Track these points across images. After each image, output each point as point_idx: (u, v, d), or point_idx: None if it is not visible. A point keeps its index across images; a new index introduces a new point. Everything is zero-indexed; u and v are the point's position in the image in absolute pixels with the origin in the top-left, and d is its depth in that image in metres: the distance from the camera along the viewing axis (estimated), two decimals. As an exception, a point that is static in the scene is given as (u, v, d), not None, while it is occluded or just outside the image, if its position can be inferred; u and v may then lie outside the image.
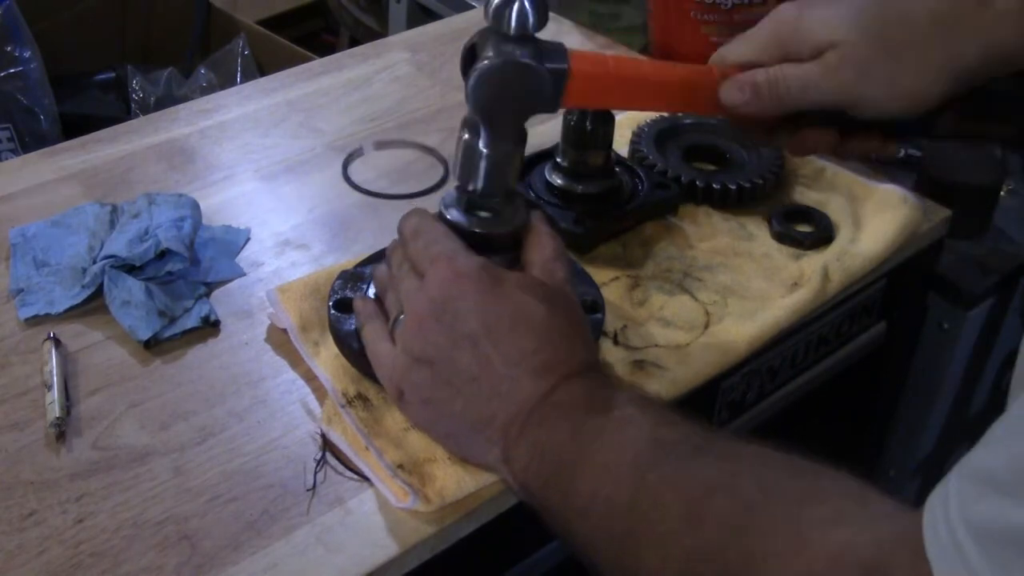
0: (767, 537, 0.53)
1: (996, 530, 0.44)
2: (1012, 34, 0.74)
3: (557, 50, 0.73)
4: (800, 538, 0.52)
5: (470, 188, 0.72)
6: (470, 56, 0.72)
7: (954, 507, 0.46)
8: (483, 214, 0.72)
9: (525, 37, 0.70)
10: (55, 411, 0.72)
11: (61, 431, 0.71)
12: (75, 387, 0.76)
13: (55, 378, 0.74)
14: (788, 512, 0.54)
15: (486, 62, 0.70)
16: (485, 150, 0.71)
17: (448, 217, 0.72)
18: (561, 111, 0.89)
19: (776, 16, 0.79)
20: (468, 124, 0.72)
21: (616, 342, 0.80)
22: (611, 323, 0.81)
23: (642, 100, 0.79)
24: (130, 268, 0.82)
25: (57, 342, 0.78)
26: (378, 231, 0.91)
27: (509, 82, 0.71)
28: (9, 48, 1.60)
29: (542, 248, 0.71)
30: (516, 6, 0.69)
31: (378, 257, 0.82)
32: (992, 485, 0.45)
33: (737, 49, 0.80)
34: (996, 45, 0.74)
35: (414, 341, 0.68)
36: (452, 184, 0.97)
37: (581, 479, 0.62)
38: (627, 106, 0.86)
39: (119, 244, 0.83)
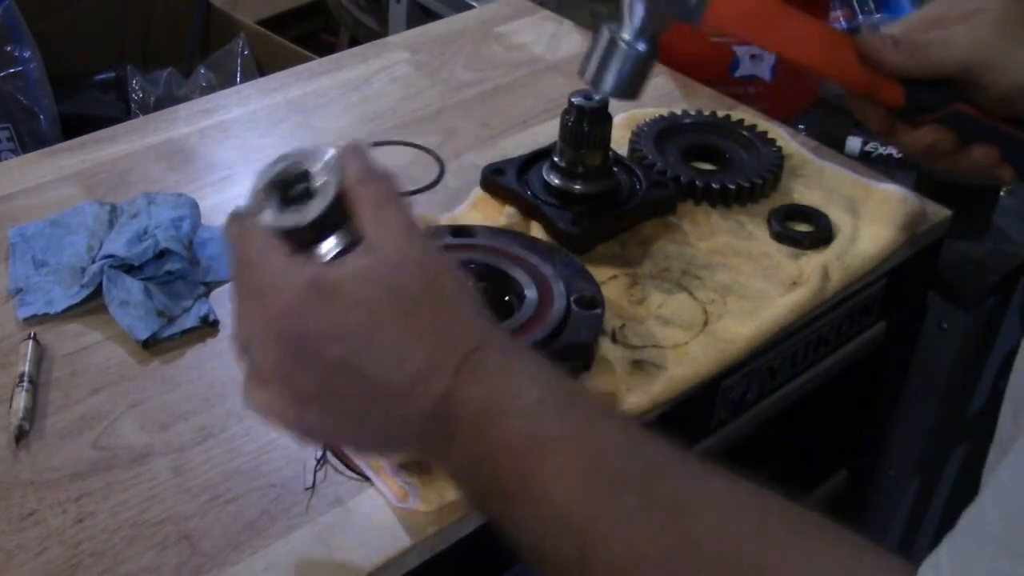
0: None
1: None
2: None
3: None
4: None
5: (600, 90, 0.77)
6: None
7: (947, 570, 0.44)
8: (297, 204, 0.60)
9: None
10: (19, 415, 0.72)
11: (22, 433, 0.71)
12: (74, 387, 0.76)
13: (26, 381, 0.74)
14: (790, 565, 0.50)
15: None
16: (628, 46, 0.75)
17: (263, 226, 0.60)
18: (559, 111, 0.89)
19: (924, 7, 0.80)
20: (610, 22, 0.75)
21: (615, 340, 0.80)
22: (610, 321, 0.81)
23: (781, 42, 0.80)
24: (129, 268, 0.82)
25: (37, 343, 0.78)
26: (378, 231, 0.91)
27: None
28: (9, 48, 1.60)
29: (363, 204, 0.59)
30: None
31: None
32: (989, 542, 0.44)
33: (886, 29, 0.81)
34: None
35: (283, 385, 0.58)
36: (446, 183, 0.98)
37: (528, 511, 0.55)
38: (764, 43, 0.85)
39: (118, 244, 0.83)
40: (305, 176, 0.59)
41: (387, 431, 0.58)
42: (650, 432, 0.56)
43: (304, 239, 0.59)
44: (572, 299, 0.78)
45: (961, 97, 0.79)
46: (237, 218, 0.61)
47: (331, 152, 0.60)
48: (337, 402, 0.58)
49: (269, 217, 0.59)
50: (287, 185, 0.59)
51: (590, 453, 0.55)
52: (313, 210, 0.59)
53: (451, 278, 0.59)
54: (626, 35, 0.77)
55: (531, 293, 0.78)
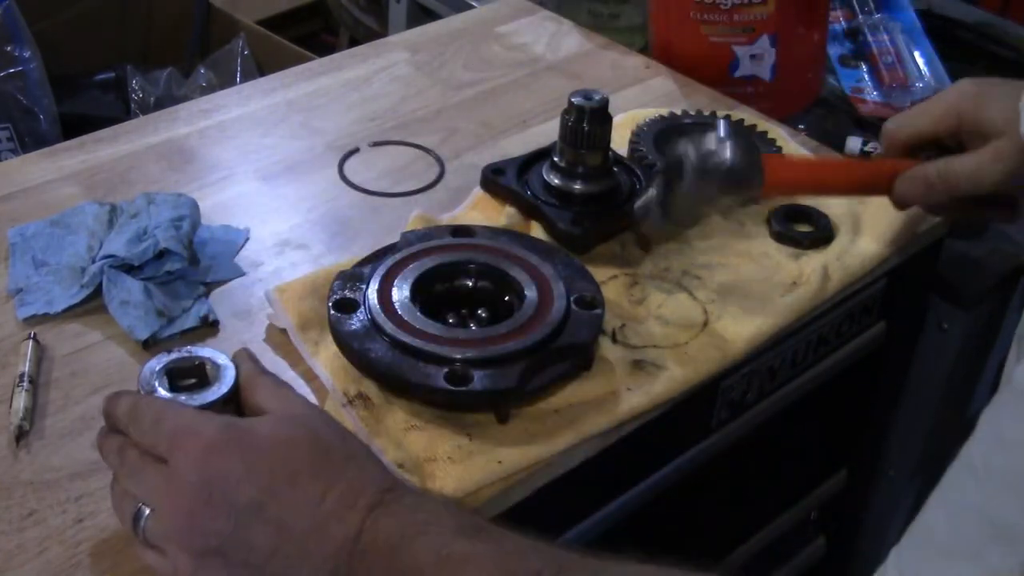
0: None
1: None
2: None
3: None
4: None
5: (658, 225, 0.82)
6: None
7: None
8: (187, 392, 0.65)
9: None
10: (19, 415, 0.72)
11: (22, 433, 0.71)
12: (74, 387, 0.76)
13: (26, 381, 0.74)
14: None
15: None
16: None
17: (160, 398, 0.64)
18: (560, 111, 0.89)
19: (958, 90, 0.82)
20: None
21: (615, 340, 0.80)
22: (609, 321, 0.81)
23: (825, 191, 0.88)
24: (129, 268, 0.82)
25: (37, 343, 0.78)
26: (377, 231, 0.91)
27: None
28: (9, 48, 1.60)
29: (264, 386, 0.64)
30: None
31: (377, 256, 0.82)
32: (933, 548, 0.44)
33: (916, 120, 0.83)
34: None
35: (190, 537, 0.58)
36: (446, 183, 0.98)
37: None
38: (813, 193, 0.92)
39: (118, 244, 0.83)
40: (200, 368, 0.65)
41: None
42: (560, 545, 0.57)
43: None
44: (572, 299, 0.78)
45: None
46: (119, 394, 0.63)
47: (222, 354, 0.66)
48: (243, 554, 0.57)
49: (164, 396, 0.63)
50: (177, 374, 0.65)
51: (500, 562, 0.55)
52: (223, 388, 0.64)
53: (359, 440, 0.63)
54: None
55: (531, 293, 0.78)
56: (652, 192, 0.82)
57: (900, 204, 0.84)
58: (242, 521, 0.57)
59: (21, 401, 0.73)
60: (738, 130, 0.85)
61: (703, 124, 0.87)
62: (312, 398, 0.76)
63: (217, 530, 0.57)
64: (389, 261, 0.80)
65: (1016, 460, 0.43)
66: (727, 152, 0.79)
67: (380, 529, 0.56)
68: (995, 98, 0.80)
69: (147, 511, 0.60)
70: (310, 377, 0.77)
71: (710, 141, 0.80)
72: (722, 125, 0.80)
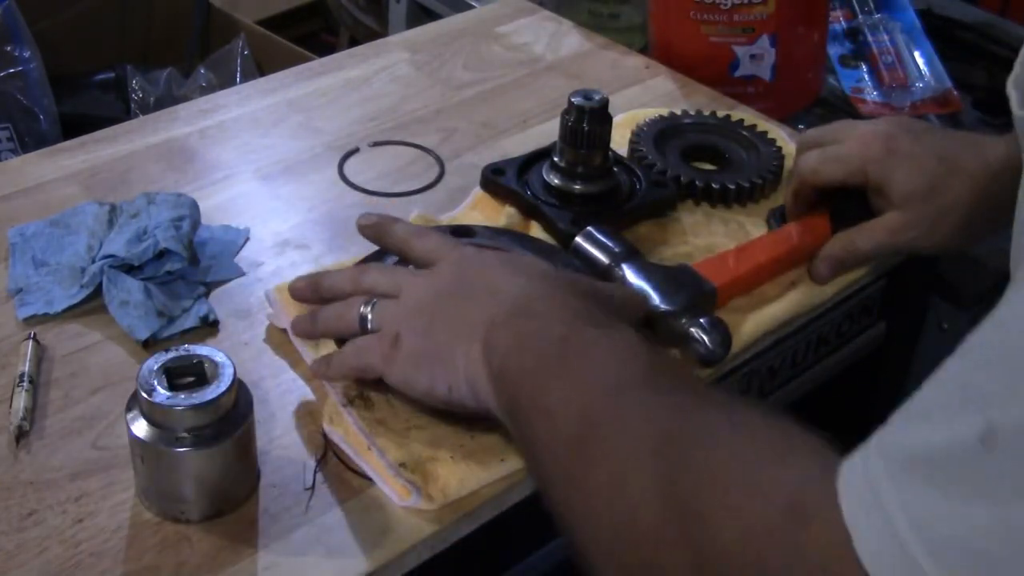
0: (718, 474, 0.53)
1: (910, 454, 0.45)
2: (997, 187, 0.81)
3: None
4: (749, 482, 0.52)
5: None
6: None
7: (873, 446, 0.47)
8: (186, 390, 0.66)
9: None
10: (19, 415, 0.72)
11: (22, 433, 0.71)
12: (74, 387, 0.76)
13: (26, 381, 0.74)
14: (746, 463, 0.53)
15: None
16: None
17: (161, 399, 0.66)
18: (560, 111, 0.89)
19: (867, 145, 0.86)
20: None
21: (615, 342, 0.80)
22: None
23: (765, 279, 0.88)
24: (129, 268, 0.82)
25: (37, 343, 0.78)
26: (377, 231, 0.91)
27: None
28: (9, 48, 1.60)
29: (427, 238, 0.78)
30: None
31: (376, 256, 0.82)
32: (907, 413, 0.47)
33: (830, 169, 0.87)
34: (995, 210, 0.81)
35: (418, 313, 0.71)
36: (446, 183, 0.98)
37: (558, 382, 0.62)
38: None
39: (118, 244, 0.83)
40: (199, 366, 0.66)
41: (463, 318, 0.68)
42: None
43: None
44: (572, 299, 0.78)
45: None
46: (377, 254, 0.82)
47: (220, 352, 0.67)
48: (448, 304, 0.71)
49: (162, 396, 0.64)
50: (176, 372, 0.66)
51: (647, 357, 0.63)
52: (222, 386, 0.65)
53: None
54: None
55: (531, 293, 0.78)
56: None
57: (820, 282, 0.87)
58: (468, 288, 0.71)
59: (21, 401, 0.73)
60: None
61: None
62: (312, 398, 0.76)
63: (450, 293, 0.71)
64: (389, 261, 0.80)
65: (1001, 335, 0.45)
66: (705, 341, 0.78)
67: (572, 295, 0.69)
68: (901, 165, 0.84)
69: (378, 304, 0.72)
70: (310, 377, 0.77)
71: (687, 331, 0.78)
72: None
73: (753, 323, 0.83)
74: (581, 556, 0.58)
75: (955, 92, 1.27)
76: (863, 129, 0.89)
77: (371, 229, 0.80)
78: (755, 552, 0.49)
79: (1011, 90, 0.56)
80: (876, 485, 0.45)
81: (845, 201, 0.88)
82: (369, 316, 0.73)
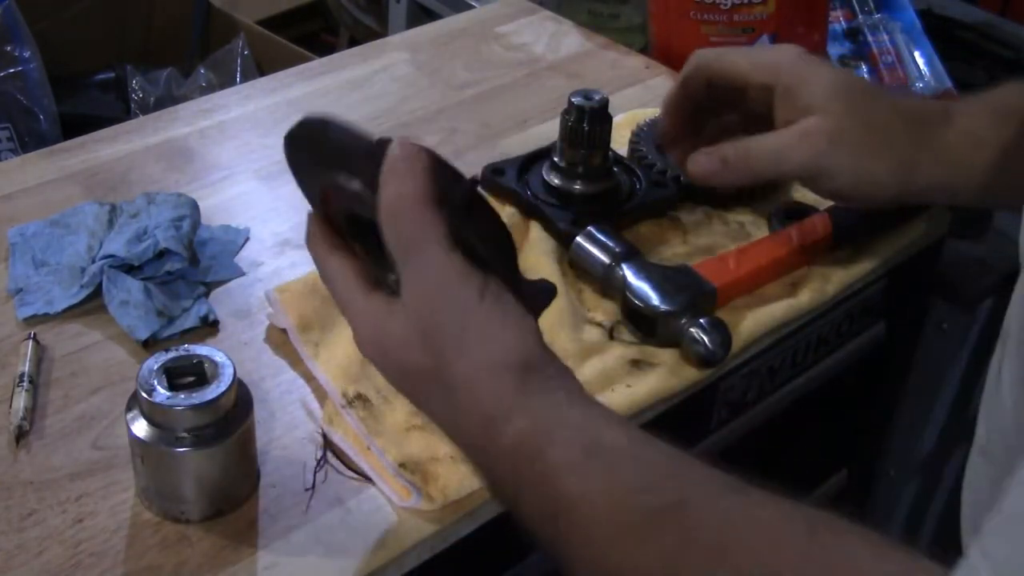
0: None
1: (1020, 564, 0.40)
2: (964, 159, 0.72)
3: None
4: None
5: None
6: None
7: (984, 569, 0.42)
8: (186, 390, 0.65)
9: None
10: (19, 415, 0.72)
11: (22, 433, 0.71)
12: (74, 387, 0.76)
13: (26, 381, 0.74)
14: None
15: None
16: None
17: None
18: (560, 111, 0.89)
19: (785, 51, 0.76)
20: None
21: (612, 337, 0.80)
22: (608, 319, 0.81)
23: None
24: (129, 268, 0.82)
25: (37, 343, 0.78)
26: (377, 231, 0.91)
27: None
28: (9, 48, 1.60)
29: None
30: None
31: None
32: (1018, 526, 0.41)
33: (735, 57, 0.78)
34: (946, 166, 0.73)
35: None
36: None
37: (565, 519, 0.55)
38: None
39: (118, 244, 0.83)
40: (199, 366, 0.66)
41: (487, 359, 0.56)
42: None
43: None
44: (572, 299, 0.78)
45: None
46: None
47: (220, 352, 0.67)
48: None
49: (162, 396, 0.64)
50: (176, 372, 0.66)
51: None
52: (222, 386, 0.65)
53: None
54: None
55: (531, 293, 0.78)
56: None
57: (696, 181, 0.78)
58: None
59: (21, 401, 0.73)
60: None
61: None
62: (312, 398, 0.76)
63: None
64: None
65: None
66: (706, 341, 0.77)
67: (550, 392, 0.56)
68: (819, 70, 0.74)
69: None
70: (310, 377, 0.77)
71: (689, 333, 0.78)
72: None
73: (753, 323, 0.83)
74: None
75: (955, 92, 1.27)
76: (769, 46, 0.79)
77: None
78: None
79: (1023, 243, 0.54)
80: None
81: (846, 209, 0.87)
82: None
